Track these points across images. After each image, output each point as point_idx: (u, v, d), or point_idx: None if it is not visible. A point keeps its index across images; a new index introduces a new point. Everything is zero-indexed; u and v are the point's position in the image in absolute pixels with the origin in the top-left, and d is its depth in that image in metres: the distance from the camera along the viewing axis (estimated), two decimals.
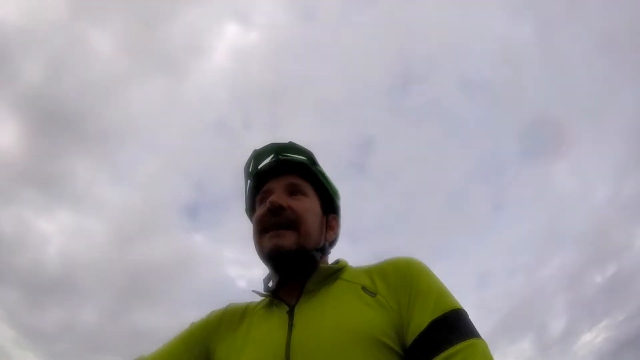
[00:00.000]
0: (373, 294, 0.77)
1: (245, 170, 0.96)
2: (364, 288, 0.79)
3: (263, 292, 0.86)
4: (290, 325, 0.76)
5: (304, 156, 0.94)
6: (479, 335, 0.67)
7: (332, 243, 0.95)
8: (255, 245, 0.87)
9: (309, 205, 0.88)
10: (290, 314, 0.78)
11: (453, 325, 0.68)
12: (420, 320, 0.69)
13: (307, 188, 0.91)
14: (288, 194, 0.87)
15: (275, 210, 0.82)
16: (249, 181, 0.96)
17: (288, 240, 0.81)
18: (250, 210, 0.96)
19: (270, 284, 0.87)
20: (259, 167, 0.95)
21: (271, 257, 0.82)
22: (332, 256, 0.94)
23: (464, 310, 0.72)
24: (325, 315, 0.75)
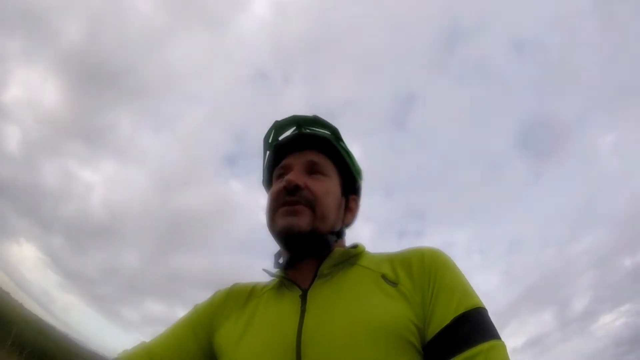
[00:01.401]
0: (394, 283, 0.73)
1: (264, 141, 0.91)
2: (384, 277, 0.75)
3: (273, 272, 0.83)
4: (303, 310, 0.73)
5: (329, 131, 0.88)
6: (499, 336, 0.66)
7: (348, 225, 0.91)
8: (267, 220, 0.83)
9: (328, 187, 0.82)
10: (303, 298, 0.75)
11: (476, 325, 0.66)
12: (444, 316, 0.67)
13: (328, 166, 0.85)
14: (307, 173, 0.83)
15: (292, 189, 0.78)
16: (267, 152, 0.92)
17: (302, 220, 0.77)
18: (268, 182, 0.92)
19: (281, 261, 0.84)
20: (279, 139, 0.90)
21: (283, 236, 0.78)
22: (349, 239, 0.90)
23: (486, 310, 0.69)
24: (342, 303, 0.72)
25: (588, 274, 69.10)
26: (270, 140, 0.91)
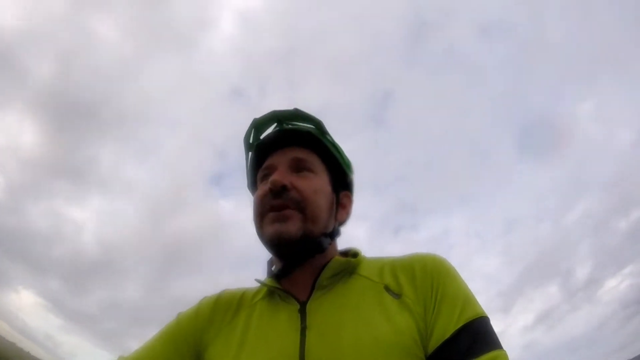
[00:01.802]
0: (397, 295, 0.71)
1: (245, 141, 0.85)
2: (387, 288, 0.72)
3: (267, 282, 0.77)
4: (304, 327, 0.68)
5: (312, 124, 0.82)
6: (501, 346, 0.66)
7: (342, 223, 0.85)
8: (255, 227, 0.77)
9: (316, 184, 0.77)
10: (302, 312, 0.70)
11: (478, 335, 0.66)
12: (445, 328, 0.66)
13: (315, 162, 0.80)
14: (293, 171, 0.77)
15: (278, 191, 0.73)
16: (249, 153, 0.85)
17: (292, 225, 0.71)
18: (252, 185, 0.86)
19: (274, 269, 0.78)
20: (260, 137, 0.84)
21: (273, 244, 0.73)
22: (345, 241, 0.85)
23: (488, 318, 0.69)
24: (345, 319, 0.68)
25: (586, 242, 73.88)
26: (251, 140, 0.84)
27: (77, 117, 59.68)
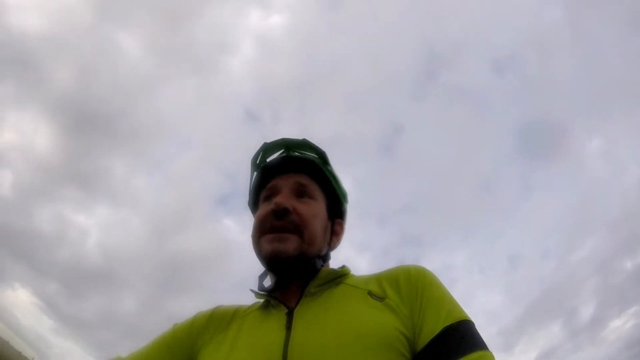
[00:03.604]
0: (381, 298, 0.74)
1: (252, 162, 0.91)
2: (370, 293, 0.75)
3: (260, 292, 0.82)
4: (289, 327, 0.72)
5: (316, 154, 0.89)
6: (487, 347, 0.67)
7: (333, 248, 0.90)
8: (253, 244, 0.82)
9: (315, 210, 0.83)
10: (289, 315, 0.74)
11: (465, 335, 0.67)
12: (433, 327, 0.68)
13: (315, 190, 0.86)
14: (295, 196, 0.83)
15: (280, 213, 0.78)
16: (255, 174, 0.92)
17: (290, 245, 0.77)
18: (254, 204, 0.92)
19: (267, 284, 0.83)
20: (267, 160, 0.90)
21: (269, 261, 0.78)
22: (339, 261, 0.89)
23: (473, 323, 0.71)
24: (328, 317, 0.72)
25: (591, 281, 68.83)
26: (258, 162, 0.91)
27: (92, 126, 60.56)
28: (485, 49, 59.33)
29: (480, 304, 58.86)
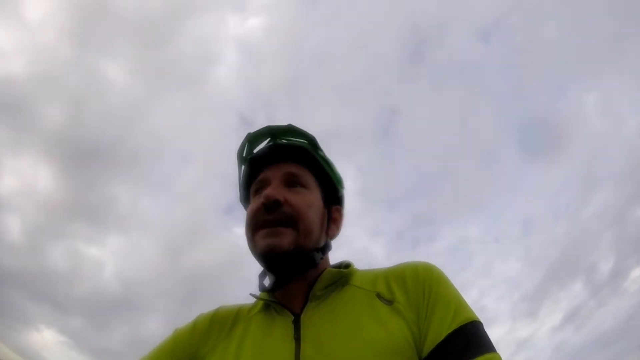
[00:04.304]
0: (389, 302, 0.70)
1: (238, 155, 0.86)
2: (379, 295, 0.72)
3: (260, 296, 0.77)
4: (298, 338, 0.68)
5: (305, 140, 0.83)
6: (494, 349, 0.65)
7: (333, 238, 0.85)
8: (247, 241, 0.77)
9: (309, 199, 0.77)
10: (296, 323, 0.70)
11: (471, 338, 0.65)
12: (439, 331, 0.65)
13: (308, 178, 0.80)
14: (286, 186, 0.78)
15: (272, 206, 0.73)
16: (242, 167, 0.86)
17: (285, 239, 0.71)
18: (245, 199, 0.87)
19: (267, 283, 0.78)
20: (254, 151, 0.85)
21: (265, 257, 0.73)
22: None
23: (481, 323, 0.68)
24: (338, 328, 0.68)
25: (606, 235, 58.06)
26: (244, 154, 0.85)
27: (91, 158, 52.45)
28: (469, 20, 54.17)
29: (500, 273, 58.06)
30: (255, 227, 0.75)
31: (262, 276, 0.79)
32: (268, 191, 0.74)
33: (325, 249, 0.80)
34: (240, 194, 0.88)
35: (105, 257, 16.62)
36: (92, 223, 17.10)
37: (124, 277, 15.82)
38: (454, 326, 0.65)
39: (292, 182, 0.78)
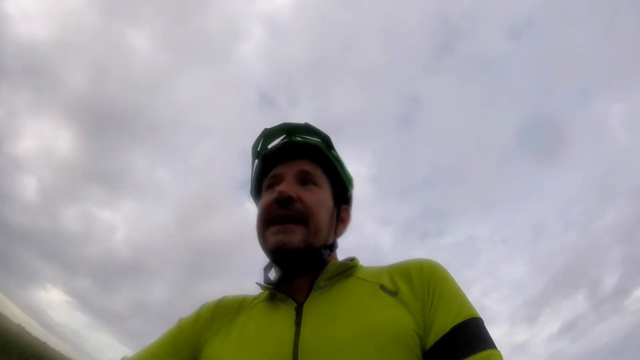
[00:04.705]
0: (394, 293, 0.72)
1: (253, 149, 0.88)
2: (382, 287, 0.73)
3: (267, 285, 0.79)
4: (299, 323, 0.70)
5: (320, 139, 0.85)
6: (495, 346, 0.68)
7: (340, 235, 0.87)
8: (257, 235, 0.80)
9: (321, 198, 0.80)
10: (298, 310, 0.72)
11: (474, 333, 0.68)
12: (443, 324, 0.68)
13: (320, 176, 0.82)
14: (299, 183, 0.80)
15: (284, 201, 0.75)
16: (256, 162, 0.88)
17: (296, 237, 0.74)
18: (256, 192, 0.89)
19: (272, 276, 0.80)
20: (268, 147, 0.87)
21: (275, 253, 0.75)
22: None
23: (482, 320, 0.71)
24: (339, 313, 0.70)
25: (615, 250, 67.89)
26: (259, 149, 0.88)
27: (111, 124, 63.36)
28: (500, 16, 57.84)
29: (505, 274, 59.51)
30: (267, 222, 0.77)
31: (267, 269, 0.82)
32: (281, 187, 0.76)
33: (333, 246, 0.82)
34: (251, 187, 0.90)
35: (118, 222, 17.55)
36: (108, 188, 18.05)
37: (134, 243, 16.72)
38: (459, 319, 0.68)
39: (305, 180, 0.80)
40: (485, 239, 73.70)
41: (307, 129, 0.85)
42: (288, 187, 0.77)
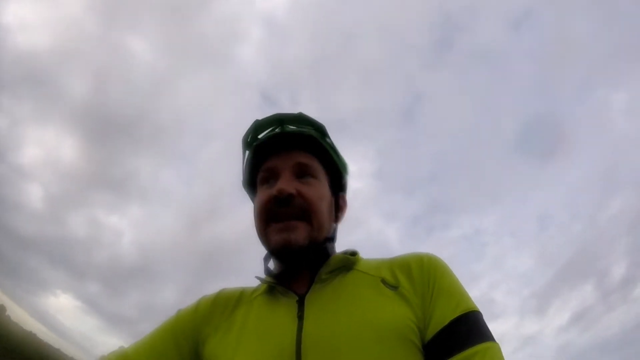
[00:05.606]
0: (394, 287, 0.73)
1: (243, 140, 0.85)
2: (383, 281, 0.74)
3: (267, 279, 0.78)
4: (301, 316, 0.70)
5: (314, 128, 0.83)
6: (494, 339, 0.69)
7: (338, 223, 0.86)
8: (258, 233, 0.78)
9: (320, 191, 0.79)
10: (300, 303, 0.72)
11: (473, 326, 0.68)
12: (443, 317, 0.68)
13: (316, 167, 0.81)
14: (296, 176, 0.78)
15: (285, 200, 0.74)
16: (247, 152, 0.85)
17: (300, 234, 0.73)
18: (249, 184, 0.87)
19: (272, 267, 0.80)
20: (259, 137, 0.84)
21: (280, 252, 0.74)
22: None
23: (481, 314, 0.71)
24: (341, 307, 0.70)
25: (622, 240, 67.05)
26: (249, 140, 0.85)
27: (115, 130, 61.51)
28: (500, 8, 56.78)
29: (513, 267, 59.96)
30: (267, 219, 0.76)
31: (266, 259, 0.81)
32: (281, 185, 0.75)
33: (334, 237, 0.82)
34: (243, 178, 0.87)
35: (125, 227, 17.55)
36: (114, 193, 17.98)
37: (142, 247, 16.74)
38: (458, 312, 0.68)
39: (302, 173, 0.79)
40: (492, 231, 72.96)
41: (300, 119, 0.83)
42: (287, 184, 0.75)
